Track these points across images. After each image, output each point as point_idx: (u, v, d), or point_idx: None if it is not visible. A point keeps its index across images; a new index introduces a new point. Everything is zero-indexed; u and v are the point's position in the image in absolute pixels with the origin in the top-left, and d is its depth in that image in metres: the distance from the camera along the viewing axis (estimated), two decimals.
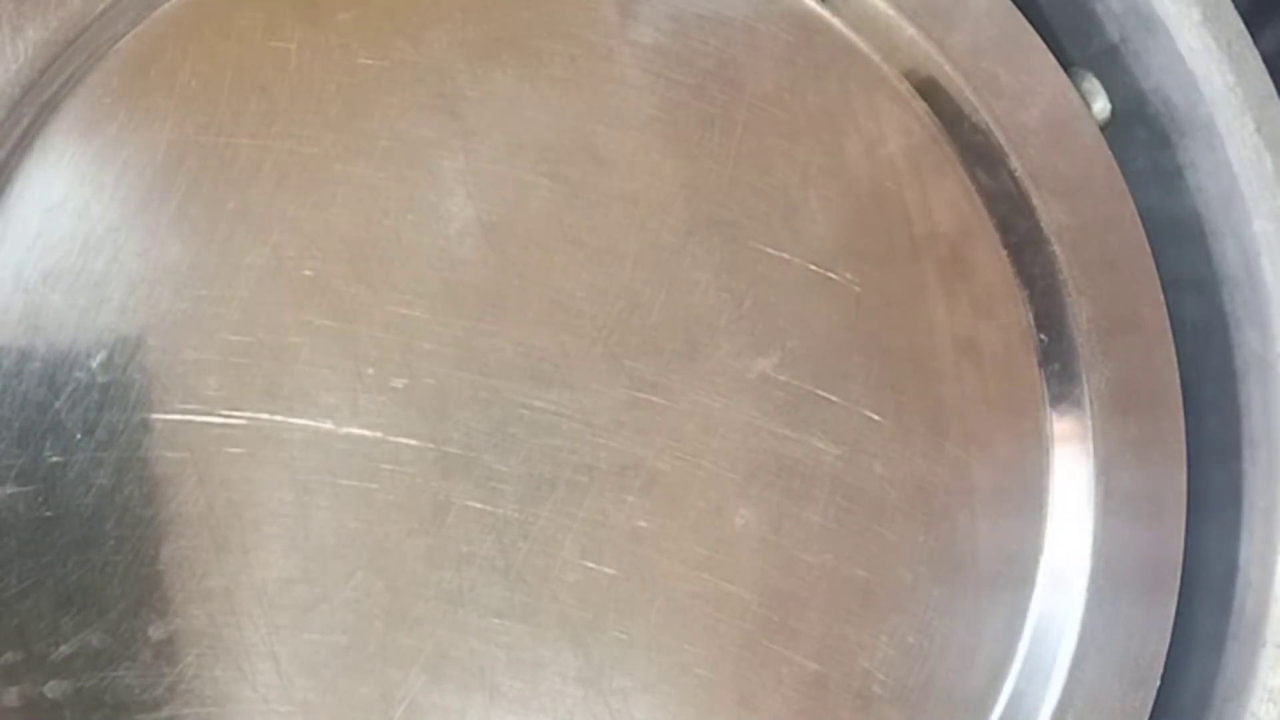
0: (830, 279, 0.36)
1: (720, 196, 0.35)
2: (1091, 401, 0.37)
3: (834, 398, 0.36)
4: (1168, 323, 0.38)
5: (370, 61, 0.34)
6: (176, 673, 0.32)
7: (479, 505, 0.34)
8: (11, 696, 0.31)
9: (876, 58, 0.37)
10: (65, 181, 0.32)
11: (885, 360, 0.36)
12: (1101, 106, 0.39)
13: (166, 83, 0.33)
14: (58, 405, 0.32)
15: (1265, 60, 0.38)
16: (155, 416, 0.32)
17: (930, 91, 0.37)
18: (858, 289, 0.36)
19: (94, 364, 0.32)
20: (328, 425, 0.33)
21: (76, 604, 0.31)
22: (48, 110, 0.32)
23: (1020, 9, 0.38)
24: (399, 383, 0.33)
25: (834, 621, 0.35)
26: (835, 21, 0.37)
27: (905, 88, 0.37)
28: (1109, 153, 0.38)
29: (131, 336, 0.32)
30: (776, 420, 0.35)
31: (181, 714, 0.32)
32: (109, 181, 0.32)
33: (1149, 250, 0.38)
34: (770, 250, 0.36)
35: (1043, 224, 0.37)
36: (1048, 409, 0.37)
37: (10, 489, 0.31)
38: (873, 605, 0.36)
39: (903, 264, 0.36)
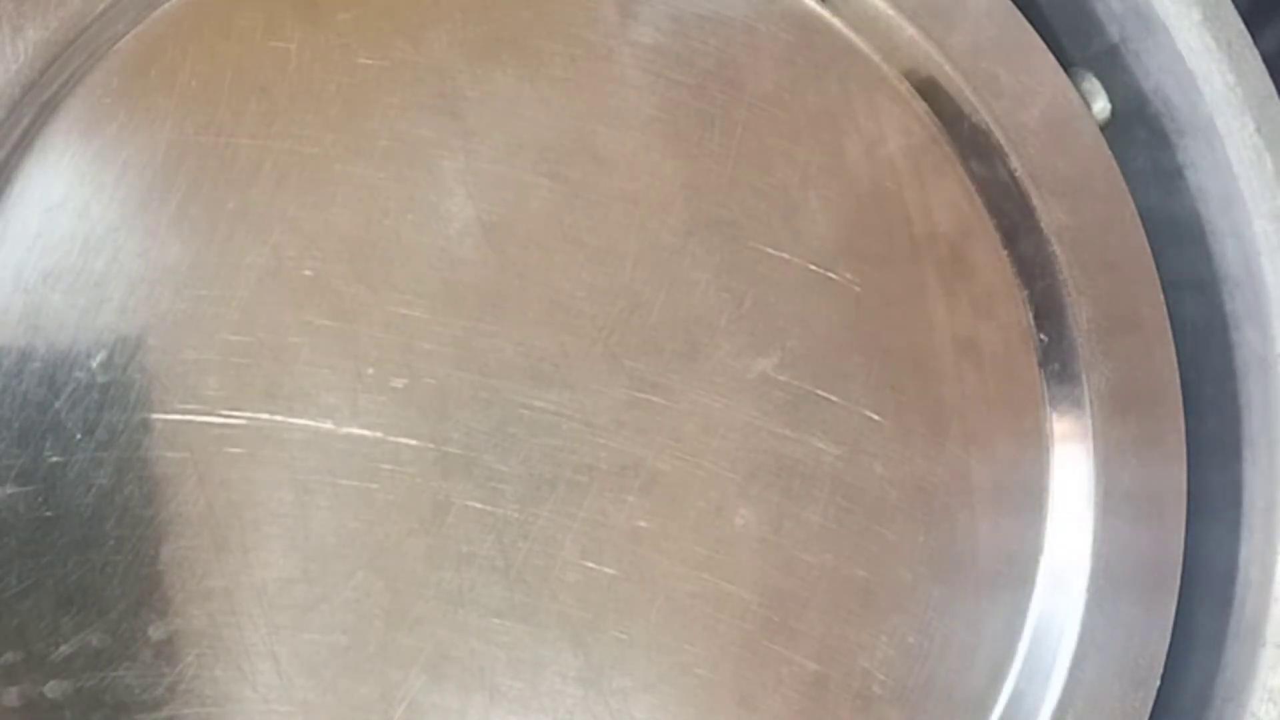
0: (830, 279, 0.36)
1: (720, 196, 0.35)
2: (1091, 401, 0.37)
3: (834, 398, 0.36)
4: (1168, 323, 0.38)
5: (370, 61, 0.34)
6: (176, 673, 0.32)
7: (479, 505, 0.34)
8: (11, 696, 0.31)
9: (876, 58, 0.37)
10: (65, 181, 0.32)
11: (885, 360, 0.36)
12: (1101, 106, 0.39)
13: (166, 83, 0.33)
14: (58, 405, 0.32)
15: (1265, 60, 0.38)
16: (155, 416, 0.32)
17: (930, 91, 0.37)
18: (858, 289, 0.36)
19: (94, 364, 0.32)
20: (328, 425, 0.33)
21: (76, 604, 0.31)
22: (48, 110, 0.32)
23: (1020, 9, 0.38)
24: (399, 383, 0.33)
25: (834, 621, 0.35)
26: (835, 21, 0.37)
27: (905, 88, 0.37)
28: (1109, 153, 0.38)
29: (131, 336, 0.32)
30: (776, 420, 0.35)
31: (181, 714, 0.32)
32: (109, 181, 0.32)
33: (1149, 250, 0.38)
34: (770, 250, 0.36)
35: (1043, 224, 0.37)
36: (1048, 409, 0.37)
37: (10, 489, 0.31)
38: (873, 605, 0.36)
39: (903, 264, 0.36)
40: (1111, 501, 0.37)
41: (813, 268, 0.36)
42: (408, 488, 0.33)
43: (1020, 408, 0.37)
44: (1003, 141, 0.37)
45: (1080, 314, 0.37)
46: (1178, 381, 0.38)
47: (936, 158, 0.37)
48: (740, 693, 0.35)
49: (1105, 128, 0.39)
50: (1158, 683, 0.37)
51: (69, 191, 0.32)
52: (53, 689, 0.31)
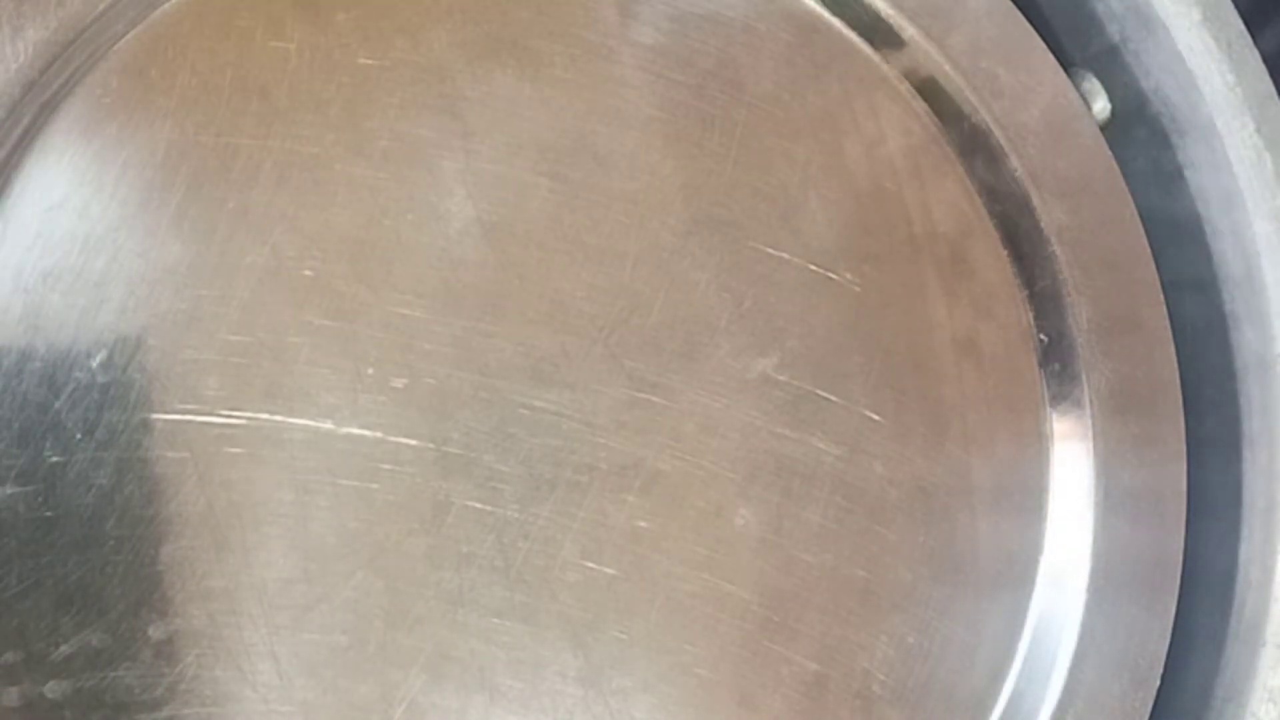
0: (830, 279, 0.36)
1: (720, 196, 0.35)
2: (1091, 401, 0.37)
3: (834, 398, 0.36)
4: (1168, 323, 0.38)
5: (370, 61, 0.34)
6: (176, 673, 0.32)
7: (479, 505, 0.34)
8: (11, 696, 0.31)
9: (876, 58, 0.37)
10: (65, 181, 0.32)
11: (885, 360, 0.36)
12: (1101, 106, 0.39)
13: (166, 83, 0.33)
14: (58, 405, 0.32)
15: (1265, 60, 0.38)
16: (155, 416, 0.32)
17: (930, 91, 0.37)
18: (858, 289, 0.36)
19: (94, 364, 0.32)
20: (328, 425, 0.33)
21: (76, 604, 0.31)
22: (48, 110, 0.32)
23: (1020, 9, 0.38)
24: (399, 383, 0.33)
25: (834, 621, 0.35)
26: (835, 21, 0.37)
27: (905, 88, 0.37)
28: (1109, 153, 0.38)
29: (131, 336, 0.32)
30: (776, 420, 0.35)
31: (181, 714, 0.32)
32: (109, 181, 0.32)
33: (1149, 250, 0.38)
34: (770, 250, 0.36)
35: (1043, 224, 0.37)
36: (1048, 409, 0.37)
37: (10, 489, 0.31)
38: (873, 605, 0.36)
39: (903, 264, 0.36)
40: (1111, 501, 0.37)
41: (813, 268, 0.36)
42: (408, 488, 0.33)
43: (1020, 408, 0.37)
44: (1003, 141, 0.37)
45: (1080, 314, 0.37)
46: (1178, 381, 0.38)
47: (936, 158, 0.37)
48: (740, 693, 0.35)
49: (1105, 128, 0.39)
50: (1158, 683, 0.37)
51: (69, 191, 0.32)
52: (53, 689, 0.31)
